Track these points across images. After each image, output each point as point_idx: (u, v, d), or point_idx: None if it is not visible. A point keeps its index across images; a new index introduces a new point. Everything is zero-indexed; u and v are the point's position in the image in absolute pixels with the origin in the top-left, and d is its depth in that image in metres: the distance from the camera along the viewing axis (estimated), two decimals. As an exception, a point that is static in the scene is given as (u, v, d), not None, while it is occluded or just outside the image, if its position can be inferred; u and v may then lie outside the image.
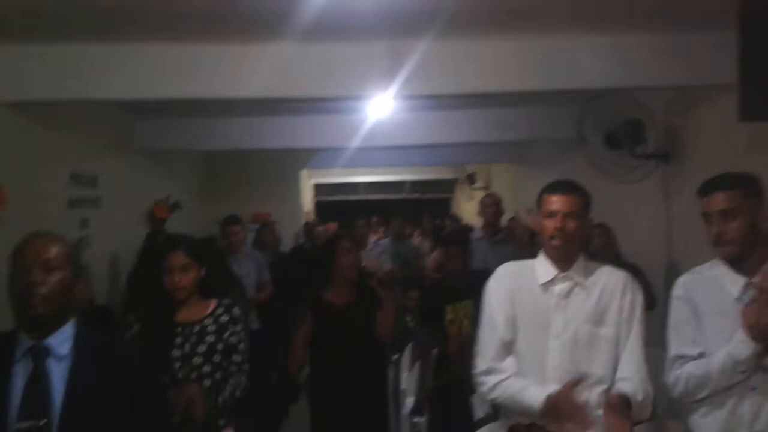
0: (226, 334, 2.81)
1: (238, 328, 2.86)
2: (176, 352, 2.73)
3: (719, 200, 2.27)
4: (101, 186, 5.55)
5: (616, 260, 4.39)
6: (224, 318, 2.84)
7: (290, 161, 9.45)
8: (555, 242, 2.36)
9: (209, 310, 2.85)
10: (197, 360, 2.74)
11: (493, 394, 2.40)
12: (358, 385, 3.48)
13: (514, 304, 2.42)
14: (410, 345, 4.53)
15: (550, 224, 2.37)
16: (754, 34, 3.07)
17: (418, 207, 12.68)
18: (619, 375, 2.33)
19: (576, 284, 2.39)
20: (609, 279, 2.41)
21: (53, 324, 1.87)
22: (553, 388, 2.24)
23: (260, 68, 3.88)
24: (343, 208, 13.11)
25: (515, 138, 7.04)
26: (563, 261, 2.40)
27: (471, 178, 11.12)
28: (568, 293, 2.38)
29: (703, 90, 4.19)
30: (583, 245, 2.49)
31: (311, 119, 6.47)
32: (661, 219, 5.01)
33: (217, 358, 2.77)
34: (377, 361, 3.73)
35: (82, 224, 5.17)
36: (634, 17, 3.57)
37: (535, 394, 2.25)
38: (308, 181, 11.46)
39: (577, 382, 2.20)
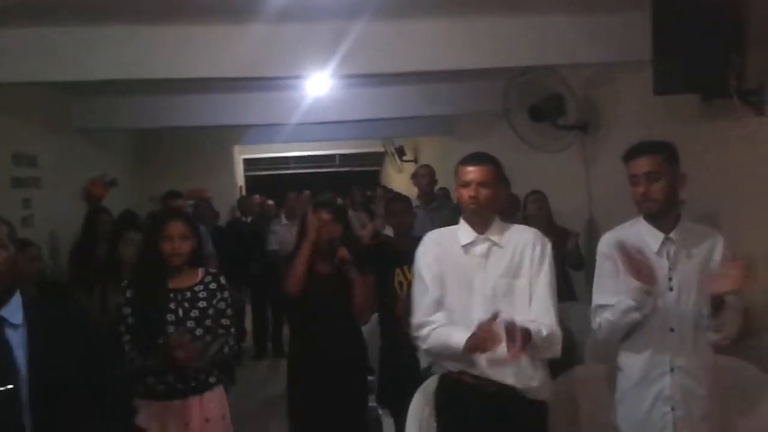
0: (215, 300, 3.02)
1: (225, 294, 3.06)
2: (170, 316, 2.91)
3: (645, 163, 2.57)
4: (41, 166, 5.58)
5: (549, 224, 4.78)
6: (213, 285, 3.04)
7: (223, 137, 9.51)
8: (471, 207, 2.64)
9: (199, 278, 3.04)
10: (190, 324, 2.93)
11: (427, 344, 2.67)
12: (335, 359, 3.46)
13: (440, 265, 2.69)
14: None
15: (466, 192, 2.63)
16: (665, 15, 3.40)
17: (348, 179, 12.91)
18: (530, 317, 2.58)
19: (493, 244, 2.67)
20: (521, 236, 2.70)
21: (3, 297, 1.96)
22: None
23: (201, 48, 4.01)
24: (273, 182, 13.23)
25: (444, 112, 7.36)
26: (480, 225, 2.67)
27: (400, 151, 11.40)
28: (486, 253, 2.66)
29: (618, 66, 4.55)
30: (497, 210, 2.74)
31: (245, 96, 6.58)
32: (582, 184, 5.40)
33: (208, 322, 2.97)
34: (355, 334, 3.67)
35: (24, 204, 5.23)
36: (552, 1, 3.87)
37: (459, 335, 2.51)
38: (239, 156, 11.51)
39: (494, 318, 2.41)
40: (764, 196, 3.35)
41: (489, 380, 2.56)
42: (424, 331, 2.66)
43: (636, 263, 2.48)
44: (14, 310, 1.98)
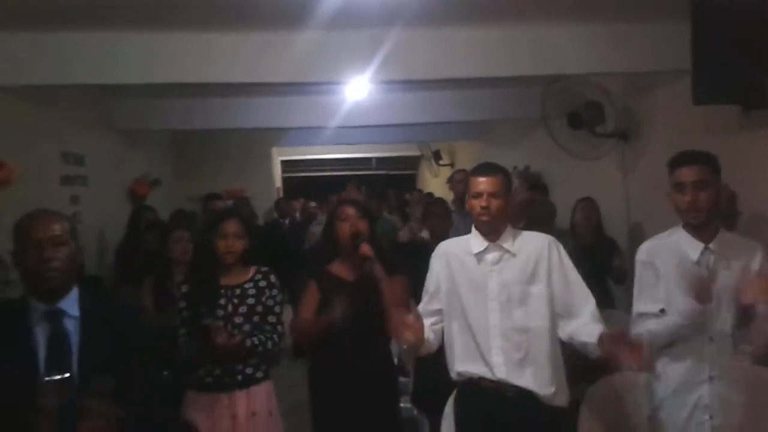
0: (264, 298, 3.10)
1: (275, 292, 3.15)
2: (220, 312, 3.02)
3: (693, 172, 2.57)
4: (88, 164, 5.75)
5: (597, 233, 4.80)
6: (263, 283, 3.13)
7: (262, 139, 9.62)
8: (483, 219, 2.67)
9: (249, 276, 3.14)
10: (238, 319, 3.03)
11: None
12: (362, 383, 3.12)
13: (452, 275, 2.75)
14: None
15: (478, 203, 2.67)
16: (705, 25, 3.41)
17: (384, 182, 12.98)
18: (579, 321, 2.61)
19: (505, 251, 2.70)
20: (534, 243, 2.72)
21: (63, 291, 2.09)
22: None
23: (245, 54, 4.15)
24: (310, 184, 13.36)
25: (480, 118, 7.38)
26: (492, 233, 2.71)
27: (436, 155, 11.43)
28: (498, 260, 2.70)
29: (658, 75, 4.55)
30: (509, 218, 2.78)
31: (284, 99, 6.70)
32: (620, 193, 5.40)
33: (256, 318, 3.06)
34: (384, 352, 3.29)
35: (72, 201, 5.40)
36: (595, 8, 3.90)
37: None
38: (277, 158, 11.64)
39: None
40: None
41: (508, 384, 2.61)
42: None
43: (697, 284, 2.51)
44: (72, 303, 2.10)
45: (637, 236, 4.97)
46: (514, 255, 2.70)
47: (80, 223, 5.31)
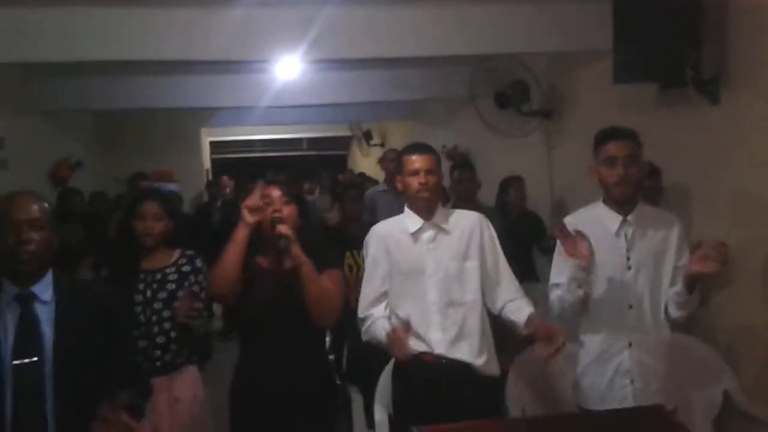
0: (187, 283, 3.01)
1: (200, 278, 3.05)
2: (138, 297, 2.93)
3: (625, 146, 2.63)
4: (7, 147, 5.55)
5: (524, 210, 4.97)
6: (186, 268, 3.04)
7: (190, 119, 9.45)
8: (423, 194, 2.74)
9: (172, 260, 3.05)
10: (157, 305, 2.94)
11: (366, 336, 2.83)
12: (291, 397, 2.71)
13: (390, 255, 2.81)
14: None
15: (416, 180, 2.74)
16: (625, 7, 3.52)
17: (315, 163, 12.94)
18: (507, 297, 2.77)
19: (440, 229, 2.80)
20: (466, 221, 2.83)
21: (36, 275, 2.05)
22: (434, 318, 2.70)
23: (171, 32, 4.04)
24: (240, 165, 13.20)
25: (411, 97, 7.42)
26: (427, 212, 2.79)
27: (367, 135, 11.46)
28: (434, 238, 2.79)
29: (581, 55, 4.69)
30: (440, 196, 2.91)
31: (213, 78, 6.57)
32: (545, 169, 5.55)
33: (177, 303, 2.94)
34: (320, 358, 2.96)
35: (-8, 185, 5.21)
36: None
37: (383, 328, 2.69)
38: (206, 139, 11.46)
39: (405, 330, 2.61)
40: (717, 182, 3.51)
41: (446, 358, 2.69)
42: (365, 325, 2.82)
43: (572, 242, 2.59)
44: (45, 287, 2.07)
45: (561, 210, 5.14)
46: (448, 233, 2.79)
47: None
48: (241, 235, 2.58)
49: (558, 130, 5.35)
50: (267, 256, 2.77)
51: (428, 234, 2.79)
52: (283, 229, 2.57)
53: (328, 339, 4.37)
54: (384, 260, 2.82)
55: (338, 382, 3.98)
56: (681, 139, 3.75)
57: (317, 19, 4.04)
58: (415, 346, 2.71)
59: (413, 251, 2.78)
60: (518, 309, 2.71)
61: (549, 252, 4.74)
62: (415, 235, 2.79)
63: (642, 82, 3.69)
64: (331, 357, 4.28)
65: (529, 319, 2.61)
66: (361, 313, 2.84)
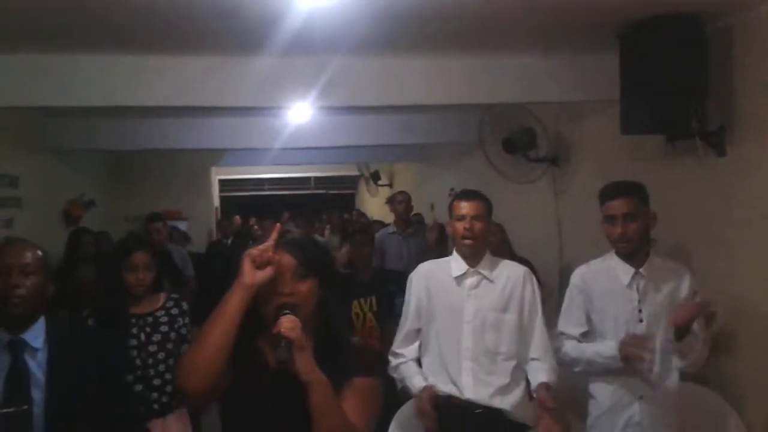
0: (177, 326, 3.11)
1: (186, 320, 3.16)
2: (132, 341, 2.99)
3: (623, 205, 2.73)
4: (21, 186, 5.62)
5: (511, 255, 4.96)
6: (174, 311, 3.14)
7: (201, 159, 9.53)
8: (466, 242, 2.82)
9: (160, 303, 3.14)
10: (152, 348, 3.02)
11: (393, 373, 2.92)
12: None
13: (430, 296, 2.89)
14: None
15: (461, 225, 2.83)
16: (632, 58, 3.59)
17: (322, 202, 13.02)
18: (532, 354, 2.84)
19: (484, 277, 2.86)
20: (511, 272, 2.90)
21: (28, 320, 2.09)
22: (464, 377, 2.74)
23: (184, 78, 4.12)
24: (249, 204, 13.29)
25: (419, 141, 7.53)
26: (472, 258, 2.87)
27: (375, 176, 11.54)
28: (477, 285, 2.85)
29: (588, 104, 4.76)
30: (487, 244, 2.98)
31: (224, 121, 6.68)
32: (552, 215, 5.58)
33: (170, 345, 3.06)
34: None
35: (6, 224, 5.27)
36: (530, 41, 4.05)
37: (417, 381, 2.79)
38: (215, 177, 11.56)
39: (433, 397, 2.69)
40: (725, 232, 3.54)
41: (476, 404, 2.74)
42: (394, 362, 2.90)
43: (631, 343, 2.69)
44: (36, 334, 2.10)
45: (568, 255, 5.16)
46: (491, 281, 2.85)
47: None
48: (234, 302, 1.65)
49: (565, 177, 5.40)
50: (268, 340, 1.77)
51: (471, 280, 2.86)
52: (286, 328, 1.64)
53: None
54: (424, 299, 2.88)
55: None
56: (688, 190, 3.79)
57: (328, 68, 4.11)
58: (444, 388, 2.76)
59: (454, 294, 2.85)
60: (535, 370, 2.79)
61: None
62: (458, 279, 2.86)
63: (648, 134, 3.74)
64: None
65: (540, 386, 2.71)
66: (393, 347, 2.93)
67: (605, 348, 2.73)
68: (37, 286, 2.07)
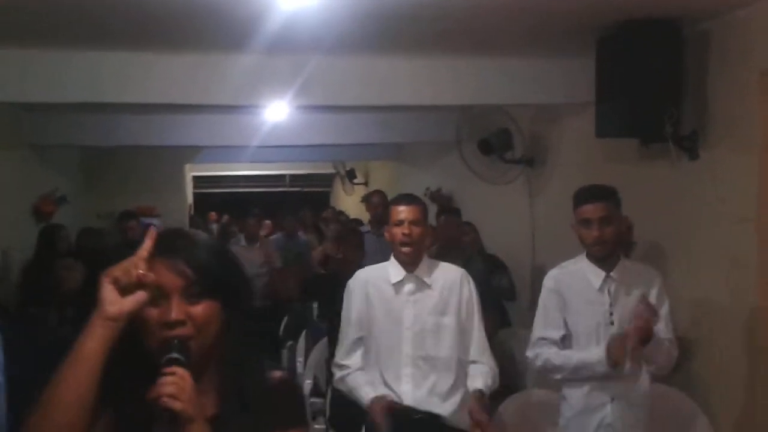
0: None
1: None
2: None
3: (599, 209, 2.73)
4: (-9, 181, 5.54)
5: (481, 252, 5.02)
6: None
7: (175, 156, 9.40)
8: (405, 248, 2.82)
9: None
10: None
11: (339, 386, 2.92)
12: None
13: (370, 303, 2.88)
14: (305, 332, 4.88)
15: (399, 231, 2.82)
16: (607, 63, 3.64)
17: (298, 200, 12.95)
18: (471, 357, 2.86)
19: (422, 282, 2.86)
20: (447, 276, 2.90)
21: None
22: (382, 390, 2.77)
23: (165, 76, 4.11)
24: (223, 201, 13.22)
25: (395, 140, 7.57)
26: (410, 263, 2.86)
27: (351, 174, 11.52)
28: (415, 291, 2.86)
29: (564, 107, 4.81)
30: (425, 248, 2.96)
31: (199, 117, 6.63)
32: (526, 216, 5.63)
33: None
34: None
35: (-27, 220, 5.18)
36: (508, 44, 4.08)
37: (366, 391, 2.77)
38: (189, 174, 11.45)
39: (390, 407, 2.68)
40: (698, 235, 3.60)
41: (416, 410, 2.76)
42: (339, 374, 2.90)
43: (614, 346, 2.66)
44: None
45: (541, 256, 5.21)
46: (429, 286, 2.85)
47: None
48: (91, 346, 1.19)
49: (540, 178, 5.45)
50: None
51: (409, 286, 2.85)
52: (168, 394, 1.18)
53: (309, 382, 4.43)
54: (363, 307, 2.87)
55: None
56: (660, 193, 3.85)
57: (308, 67, 4.11)
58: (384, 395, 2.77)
59: (393, 302, 2.85)
60: (473, 375, 2.82)
61: (512, 298, 4.88)
62: (396, 286, 2.85)
63: (623, 137, 3.78)
64: (314, 400, 4.30)
65: (473, 396, 2.73)
66: (336, 359, 2.91)
67: (590, 355, 2.73)
68: None
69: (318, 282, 5.14)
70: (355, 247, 4.48)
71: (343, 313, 2.95)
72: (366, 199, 6.46)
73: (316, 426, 4.29)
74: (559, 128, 5.18)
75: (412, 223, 2.80)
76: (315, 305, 5.40)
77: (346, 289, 2.96)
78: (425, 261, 2.90)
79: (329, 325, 3.97)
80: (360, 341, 2.88)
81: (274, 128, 6.47)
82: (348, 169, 11.50)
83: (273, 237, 7.86)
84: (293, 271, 6.48)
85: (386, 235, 2.93)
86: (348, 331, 2.90)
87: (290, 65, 4.13)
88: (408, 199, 2.90)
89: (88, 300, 2.76)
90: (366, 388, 2.78)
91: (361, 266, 4.40)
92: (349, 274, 4.37)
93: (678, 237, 3.72)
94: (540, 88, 4.35)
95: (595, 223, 2.74)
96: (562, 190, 4.63)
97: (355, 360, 2.88)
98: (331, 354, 4.09)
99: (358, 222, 7.57)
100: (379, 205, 5.95)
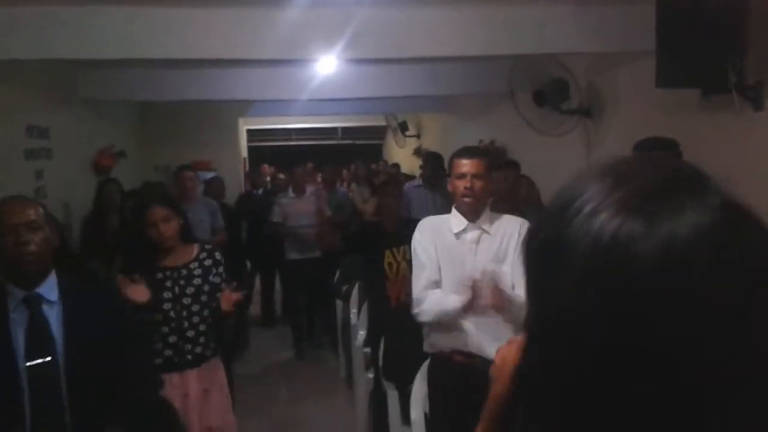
0: (210, 276, 3.12)
1: (221, 269, 3.16)
2: (167, 294, 3.02)
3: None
4: (52, 137, 5.68)
5: (538, 206, 4.95)
6: (208, 261, 3.14)
7: (229, 109, 9.51)
8: (467, 200, 2.86)
9: (194, 255, 3.14)
10: (186, 300, 3.04)
11: (425, 315, 2.88)
12: None
13: (436, 249, 2.91)
14: (359, 283, 4.92)
15: (462, 184, 2.86)
16: (669, 10, 3.48)
17: (350, 152, 12.99)
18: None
19: (483, 232, 2.90)
20: (508, 226, 2.92)
21: (40, 276, 2.11)
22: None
23: (212, 30, 4.10)
24: (276, 154, 13.33)
25: (447, 92, 7.43)
26: (472, 214, 2.90)
27: (403, 126, 11.46)
28: (477, 239, 2.89)
29: (621, 55, 4.65)
30: (487, 201, 2.98)
31: (252, 71, 6.64)
32: (583, 168, 5.51)
33: (204, 297, 3.08)
34: None
35: (37, 175, 5.33)
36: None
37: (453, 298, 2.74)
38: (243, 127, 11.56)
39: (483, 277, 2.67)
40: (760, 189, 3.47)
41: (478, 356, 2.75)
42: (422, 304, 2.87)
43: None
44: (50, 288, 2.13)
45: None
46: (491, 235, 2.88)
47: (45, 197, 5.27)
48: None
49: (597, 129, 5.31)
50: None
51: (471, 235, 2.89)
52: None
53: (363, 333, 4.48)
54: (433, 251, 2.90)
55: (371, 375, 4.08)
56: (723, 145, 3.71)
57: (355, 19, 4.06)
58: (448, 342, 2.79)
59: (456, 249, 2.89)
60: None
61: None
62: (459, 234, 2.89)
63: (684, 87, 3.66)
64: (367, 350, 4.37)
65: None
66: (415, 295, 2.90)
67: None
68: (45, 240, 2.09)
69: (360, 234, 5.16)
70: (386, 197, 4.49)
71: (414, 260, 2.97)
72: (420, 154, 6.43)
73: (369, 375, 4.37)
74: (617, 77, 5.02)
75: (474, 176, 2.84)
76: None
77: (413, 237, 2.99)
78: (487, 212, 2.94)
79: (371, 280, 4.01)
80: (437, 283, 2.89)
81: (325, 81, 6.46)
82: (400, 121, 11.43)
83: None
84: (336, 223, 6.51)
85: (449, 186, 2.97)
86: (422, 272, 2.91)
87: (338, 18, 4.09)
88: (471, 152, 2.93)
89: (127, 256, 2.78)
90: (451, 297, 2.77)
91: (398, 215, 4.50)
92: (388, 226, 4.44)
93: (741, 190, 3.58)
94: (598, 37, 4.21)
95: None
96: (621, 141, 4.52)
97: (434, 293, 2.89)
98: (380, 306, 4.16)
99: (410, 177, 7.55)
100: (435, 168, 5.91)
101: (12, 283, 2.09)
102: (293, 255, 6.38)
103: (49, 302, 2.11)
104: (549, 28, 4.22)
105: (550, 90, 5.32)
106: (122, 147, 7.41)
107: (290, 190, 6.72)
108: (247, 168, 11.43)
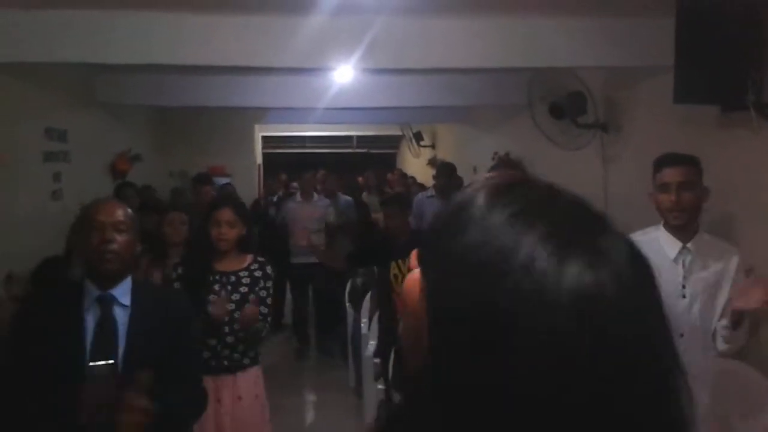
0: (257, 288, 3.17)
1: (269, 284, 3.22)
2: (213, 297, 3.07)
3: (680, 173, 2.62)
4: (70, 140, 5.72)
5: None
6: (258, 273, 3.20)
7: (245, 115, 9.58)
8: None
9: (245, 264, 3.21)
10: (230, 306, 3.08)
11: None
12: None
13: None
14: (370, 293, 4.92)
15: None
16: (688, 25, 3.46)
17: (364, 161, 13.01)
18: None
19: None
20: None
21: (118, 277, 2.16)
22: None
23: (234, 38, 4.11)
24: (290, 161, 13.35)
25: (463, 103, 7.42)
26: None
27: (417, 136, 11.47)
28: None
29: (640, 69, 4.63)
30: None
31: (269, 79, 6.68)
32: (600, 183, 5.49)
33: (248, 306, 3.10)
34: None
35: (55, 178, 5.37)
36: (583, 2, 3.95)
37: None
38: (258, 134, 11.61)
39: None
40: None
41: None
42: None
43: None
44: (124, 291, 2.18)
45: (615, 224, 5.06)
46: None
47: (62, 200, 5.31)
48: None
49: (614, 144, 5.29)
50: None
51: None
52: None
53: (373, 343, 4.48)
54: None
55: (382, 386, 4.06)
56: (740, 163, 3.68)
57: (372, 28, 4.06)
58: None
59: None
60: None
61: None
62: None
63: (703, 104, 3.62)
64: (377, 360, 4.36)
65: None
66: None
67: None
68: (128, 243, 2.14)
69: (371, 245, 5.13)
70: (391, 217, 4.42)
71: None
72: (434, 164, 6.43)
73: (378, 386, 4.35)
74: (635, 92, 4.99)
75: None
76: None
77: None
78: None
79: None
80: None
81: (341, 90, 6.48)
82: (415, 131, 11.44)
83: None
84: (338, 227, 6.46)
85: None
86: None
87: (355, 27, 4.09)
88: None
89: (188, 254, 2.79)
90: None
91: (407, 229, 4.44)
92: (399, 240, 4.40)
93: (758, 209, 3.56)
94: (615, 50, 4.18)
95: (673, 187, 2.62)
96: (638, 157, 4.49)
97: None
98: (389, 317, 4.14)
99: (422, 187, 7.53)
100: (449, 178, 5.91)
101: (90, 280, 2.14)
102: (298, 259, 6.38)
103: (120, 305, 2.15)
104: (567, 41, 4.20)
105: (567, 103, 5.31)
106: (138, 151, 7.46)
107: (298, 194, 6.75)
108: (262, 175, 11.46)
